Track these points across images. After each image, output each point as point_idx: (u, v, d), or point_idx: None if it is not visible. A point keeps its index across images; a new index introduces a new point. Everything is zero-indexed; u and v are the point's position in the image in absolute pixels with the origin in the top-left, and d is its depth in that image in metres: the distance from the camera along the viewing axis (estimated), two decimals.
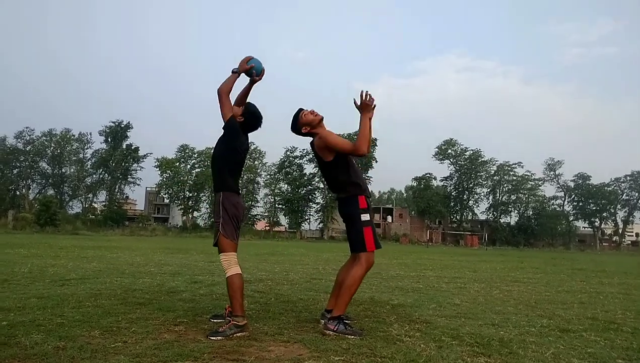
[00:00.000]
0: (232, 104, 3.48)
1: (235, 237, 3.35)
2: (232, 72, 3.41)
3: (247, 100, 3.57)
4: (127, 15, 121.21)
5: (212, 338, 2.95)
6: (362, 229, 3.39)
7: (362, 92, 3.40)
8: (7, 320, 3.27)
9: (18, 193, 58.09)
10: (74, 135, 59.44)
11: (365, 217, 3.41)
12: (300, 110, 3.57)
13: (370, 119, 3.48)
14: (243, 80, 3.52)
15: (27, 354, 2.48)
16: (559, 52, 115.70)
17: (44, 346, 2.63)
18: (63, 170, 59.53)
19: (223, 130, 3.43)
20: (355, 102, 3.45)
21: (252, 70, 3.44)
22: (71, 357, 2.46)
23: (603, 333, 3.63)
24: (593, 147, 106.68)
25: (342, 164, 3.49)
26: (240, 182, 3.64)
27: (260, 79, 3.53)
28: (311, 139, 3.62)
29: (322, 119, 3.55)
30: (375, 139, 56.16)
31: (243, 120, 3.47)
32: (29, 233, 30.24)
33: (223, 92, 3.36)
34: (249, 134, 3.60)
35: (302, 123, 3.53)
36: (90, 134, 59.77)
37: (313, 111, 3.54)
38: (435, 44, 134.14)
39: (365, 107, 3.43)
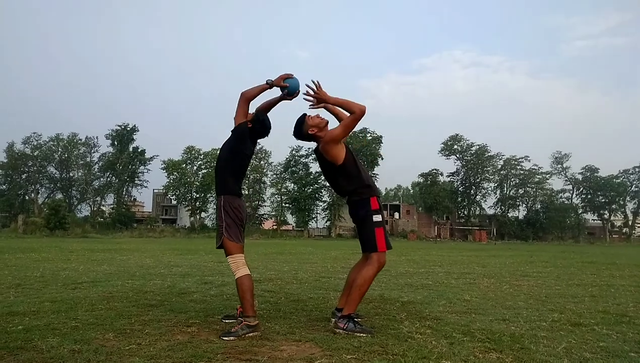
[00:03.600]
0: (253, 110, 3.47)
1: (240, 238, 3.37)
2: (266, 82, 3.37)
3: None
4: (130, 16, 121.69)
5: (224, 338, 2.98)
6: (374, 230, 3.40)
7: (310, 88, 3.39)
8: (22, 324, 3.32)
9: (27, 197, 58.51)
10: (80, 140, 59.76)
11: (377, 218, 3.42)
12: (305, 115, 3.56)
13: (334, 103, 3.46)
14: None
15: (44, 358, 2.52)
16: (565, 45, 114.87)
17: (60, 349, 2.67)
18: (71, 174, 59.89)
19: (231, 133, 3.45)
20: (310, 98, 3.43)
21: (286, 89, 3.40)
22: (87, 360, 2.49)
23: (615, 326, 3.62)
24: (601, 139, 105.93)
25: (352, 168, 3.48)
26: (245, 183, 3.66)
27: (291, 99, 3.49)
28: (315, 144, 3.61)
29: (327, 122, 3.54)
30: (381, 136, 56.11)
31: (251, 126, 3.47)
32: (39, 237, 30.50)
33: (245, 97, 3.36)
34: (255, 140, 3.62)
35: (310, 125, 3.48)
36: (97, 137, 60.09)
37: (318, 115, 3.54)
38: (440, 40, 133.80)
39: (322, 98, 3.41)
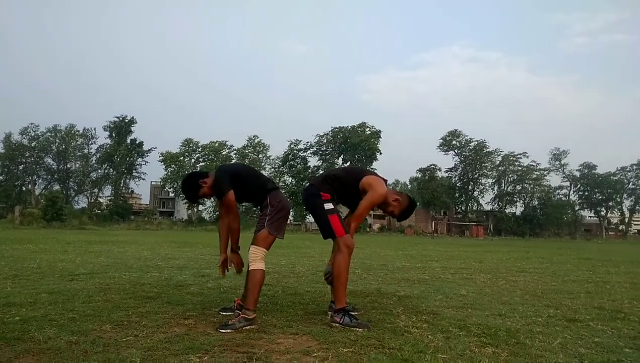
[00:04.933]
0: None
1: (280, 231, 3.42)
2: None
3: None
4: (129, 7, 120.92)
5: (221, 331, 2.99)
6: (327, 217, 3.43)
7: None
8: (19, 315, 3.32)
9: (24, 189, 58.44)
10: (78, 131, 59.64)
11: (328, 205, 3.47)
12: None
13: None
14: None
15: (40, 349, 2.52)
16: (564, 42, 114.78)
17: (57, 341, 2.67)
18: (68, 166, 59.79)
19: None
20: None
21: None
22: (84, 351, 2.49)
23: (610, 322, 3.65)
24: (599, 136, 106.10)
25: (345, 191, 3.59)
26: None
27: None
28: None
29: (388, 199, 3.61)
30: (380, 131, 56.09)
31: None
32: (36, 229, 30.46)
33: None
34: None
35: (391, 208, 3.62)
36: (95, 129, 60.02)
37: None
38: (439, 36, 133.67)
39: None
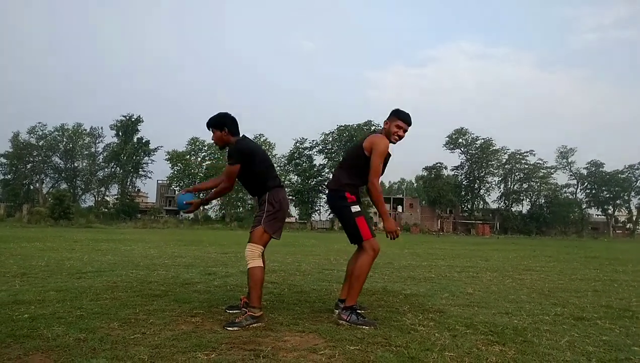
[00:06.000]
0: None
1: (276, 231, 3.40)
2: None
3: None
4: (135, 8, 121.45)
5: (228, 329, 3.00)
6: (355, 220, 3.43)
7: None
8: (28, 312, 3.35)
9: (32, 187, 58.88)
10: (85, 130, 60.04)
11: (355, 208, 3.46)
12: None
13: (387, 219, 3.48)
14: None
15: (49, 346, 2.54)
16: (573, 37, 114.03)
17: (66, 338, 2.69)
18: (75, 164, 60.21)
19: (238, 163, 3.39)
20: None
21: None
22: (92, 349, 2.51)
23: (618, 320, 3.63)
24: (607, 134, 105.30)
25: (364, 168, 3.48)
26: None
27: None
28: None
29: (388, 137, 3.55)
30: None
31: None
32: (44, 227, 30.64)
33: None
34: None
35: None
36: (102, 128, 60.40)
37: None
38: (446, 32, 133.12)
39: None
